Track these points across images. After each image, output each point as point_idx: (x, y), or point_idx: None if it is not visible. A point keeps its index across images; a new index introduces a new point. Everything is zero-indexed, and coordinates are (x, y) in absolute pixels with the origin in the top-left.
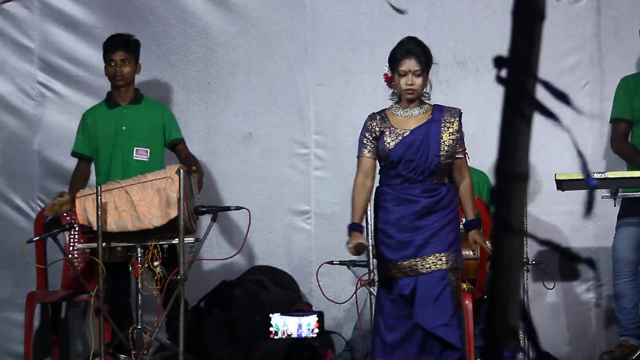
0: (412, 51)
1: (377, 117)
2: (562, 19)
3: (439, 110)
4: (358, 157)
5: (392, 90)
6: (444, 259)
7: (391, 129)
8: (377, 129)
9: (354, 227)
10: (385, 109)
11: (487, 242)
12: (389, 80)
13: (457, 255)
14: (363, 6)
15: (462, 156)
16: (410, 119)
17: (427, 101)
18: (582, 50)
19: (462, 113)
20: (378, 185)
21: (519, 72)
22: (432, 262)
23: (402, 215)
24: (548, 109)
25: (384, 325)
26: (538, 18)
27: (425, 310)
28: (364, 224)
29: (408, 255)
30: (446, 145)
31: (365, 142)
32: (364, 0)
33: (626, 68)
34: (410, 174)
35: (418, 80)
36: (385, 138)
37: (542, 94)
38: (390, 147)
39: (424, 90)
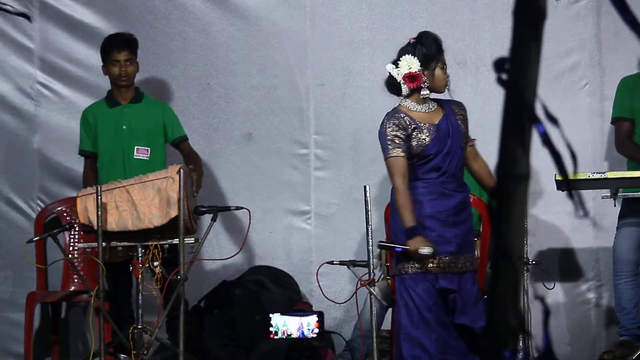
0: (441, 44)
1: (402, 115)
2: (562, 19)
3: (446, 104)
4: (391, 157)
5: (419, 88)
6: (471, 260)
7: (420, 124)
8: (409, 127)
9: (417, 230)
10: (399, 107)
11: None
12: (419, 78)
13: (474, 257)
14: (363, 6)
15: (473, 144)
16: (431, 114)
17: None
18: (582, 50)
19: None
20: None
21: (519, 74)
22: (463, 263)
23: (440, 210)
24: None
25: (437, 321)
26: (538, 18)
27: (467, 309)
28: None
29: (449, 251)
30: (465, 138)
31: (398, 142)
32: (364, 0)
33: (626, 68)
34: (447, 167)
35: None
36: (418, 134)
37: (542, 96)
38: (426, 142)
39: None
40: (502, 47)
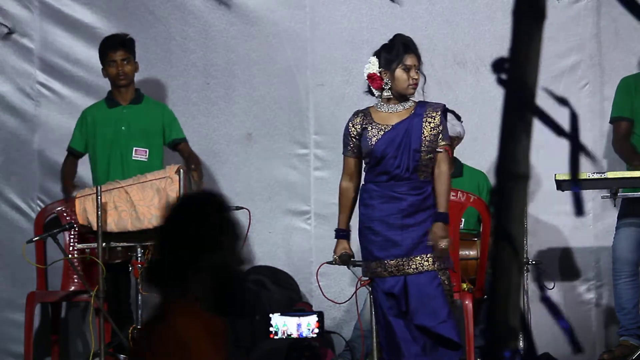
0: (411, 47)
1: (360, 115)
2: (562, 19)
3: (421, 106)
4: (343, 156)
5: (382, 89)
6: (430, 260)
7: (373, 124)
8: (358, 126)
9: (339, 234)
10: (370, 107)
11: (443, 241)
12: (379, 80)
13: (447, 256)
14: (363, 6)
15: (442, 150)
16: (393, 115)
17: (413, 98)
18: (582, 50)
19: (445, 108)
20: (363, 182)
21: (519, 74)
22: (419, 263)
23: (389, 213)
24: (548, 115)
25: (386, 322)
26: (538, 18)
27: (421, 309)
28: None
29: (395, 255)
30: (427, 141)
31: (347, 140)
32: (364, 0)
33: (626, 68)
34: (395, 171)
35: (418, 75)
36: (367, 134)
37: (541, 97)
38: (372, 143)
39: None
40: (502, 47)
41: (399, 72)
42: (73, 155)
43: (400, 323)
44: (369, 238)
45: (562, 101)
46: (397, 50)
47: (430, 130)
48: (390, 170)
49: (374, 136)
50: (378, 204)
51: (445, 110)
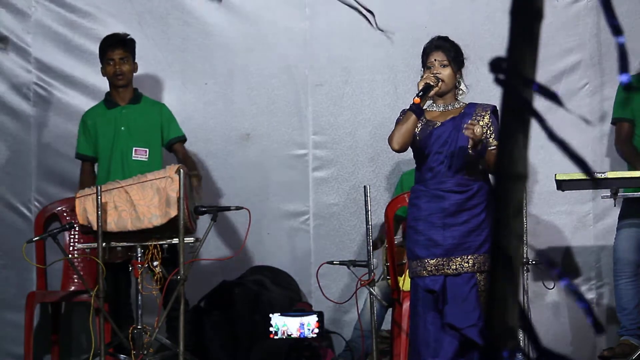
0: (437, 44)
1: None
2: (562, 19)
3: (471, 106)
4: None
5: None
6: (471, 261)
7: (424, 120)
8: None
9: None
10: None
11: (477, 128)
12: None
13: (487, 257)
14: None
15: (494, 148)
16: (443, 113)
17: (461, 98)
18: (582, 50)
19: (496, 108)
20: (412, 185)
21: (516, 73)
22: (459, 264)
23: (432, 212)
24: (549, 90)
25: (423, 323)
26: (536, 18)
27: (453, 309)
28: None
29: (436, 254)
30: (478, 140)
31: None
32: (364, 1)
33: None
34: (439, 167)
35: (445, 70)
36: (416, 130)
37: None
38: (419, 137)
39: (457, 84)
40: (502, 47)
41: (426, 73)
42: (86, 162)
43: (437, 322)
44: (412, 238)
45: (554, 97)
46: (423, 52)
47: (479, 129)
48: (434, 166)
49: (422, 130)
50: (423, 203)
51: (495, 111)
